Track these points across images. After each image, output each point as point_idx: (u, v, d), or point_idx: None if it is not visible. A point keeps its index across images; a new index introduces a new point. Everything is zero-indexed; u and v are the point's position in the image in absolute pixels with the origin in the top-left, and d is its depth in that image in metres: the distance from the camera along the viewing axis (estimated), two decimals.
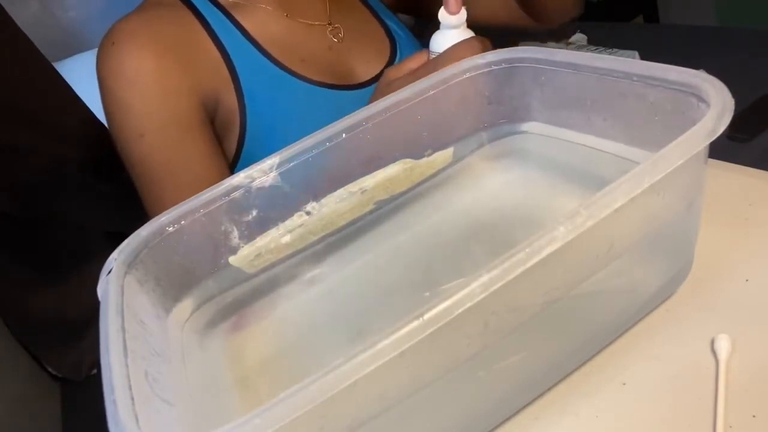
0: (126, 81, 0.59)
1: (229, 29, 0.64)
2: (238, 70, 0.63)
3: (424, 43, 0.77)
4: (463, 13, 0.56)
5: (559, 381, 0.39)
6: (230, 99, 0.63)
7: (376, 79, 0.70)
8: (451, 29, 0.56)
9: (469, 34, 0.56)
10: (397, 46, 0.74)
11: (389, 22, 0.76)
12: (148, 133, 0.60)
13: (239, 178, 0.46)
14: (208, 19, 0.64)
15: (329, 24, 0.71)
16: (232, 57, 0.63)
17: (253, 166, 0.46)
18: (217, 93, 0.63)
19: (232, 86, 0.63)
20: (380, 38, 0.75)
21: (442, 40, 0.56)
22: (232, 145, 0.65)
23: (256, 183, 0.46)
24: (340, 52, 0.70)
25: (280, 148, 0.47)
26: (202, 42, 0.63)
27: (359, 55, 0.72)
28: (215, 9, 0.65)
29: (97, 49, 0.62)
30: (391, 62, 0.73)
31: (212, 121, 0.64)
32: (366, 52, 0.72)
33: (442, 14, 0.56)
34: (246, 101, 0.63)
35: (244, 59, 0.64)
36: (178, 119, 0.60)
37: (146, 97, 0.59)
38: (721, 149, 0.40)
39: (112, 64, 0.59)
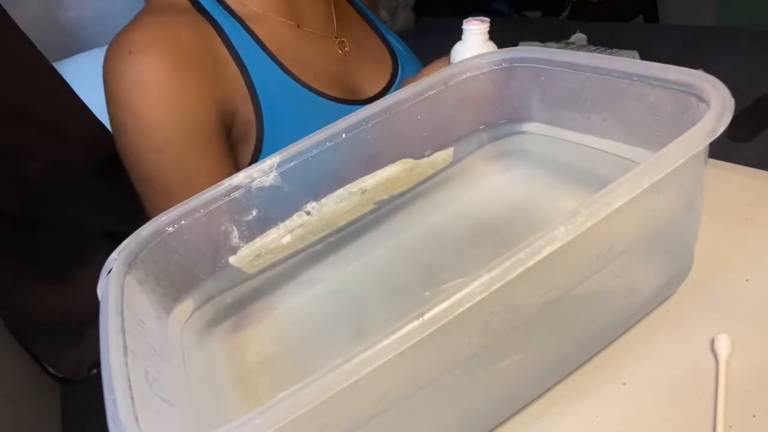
0: (145, 91, 0.56)
1: (245, 39, 0.63)
2: (255, 81, 0.61)
3: (422, 59, 0.77)
4: (485, 24, 0.55)
5: (559, 381, 0.39)
6: (247, 110, 0.62)
7: (382, 94, 0.69)
8: (473, 40, 0.55)
9: (492, 46, 0.56)
10: (399, 61, 0.74)
11: (389, 38, 0.76)
12: (167, 145, 0.58)
13: (239, 178, 0.46)
14: (224, 28, 0.62)
15: (336, 37, 0.70)
16: (248, 68, 0.61)
17: (253, 166, 0.46)
18: (234, 103, 0.61)
19: (249, 98, 0.61)
20: (382, 53, 0.74)
21: (461, 52, 0.56)
22: (246, 156, 0.63)
23: (256, 183, 0.46)
24: (347, 66, 0.70)
25: None
26: (219, 51, 0.61)
27: (364, 69, 0.71)
28: (230, 17, 0.63)
29: (95, 50, 0.61)
30: (394, 77, 0.72)
31: (228, 131, 0.62)
32: (370, 66, 0.72)
33: (465, 23, 0.56)
34: (264, 113, 0.62)
35: (261, 71, 0.62)
36: (198, 128, 0.58)
37: (166, 106, 0.57)
38: (721, 149, 0.40)
39: (130, 75, 0.56)
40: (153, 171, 0.59)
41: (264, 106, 0.62)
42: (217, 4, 0.63)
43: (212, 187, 0.45)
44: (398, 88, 0.69)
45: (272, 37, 0.64)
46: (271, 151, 0.62)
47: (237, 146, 0.64)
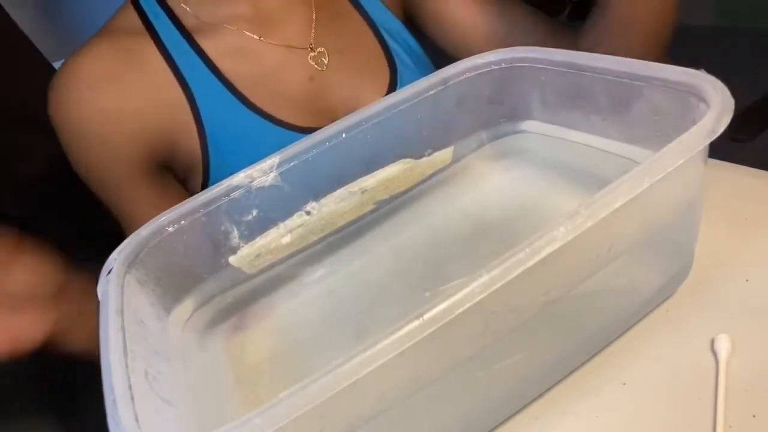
0: (70, 128, 0.55)
1: (191, 60, 0.57)
2: (201, 109, 0.56)
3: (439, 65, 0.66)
4: None
5: (559, 381, 0.39)
6: (191, 142, 0.57)
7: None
8: None
9: None
10: (398, 75, 0.63)
11: (393, 43, 0.64)
12: (95, 180, 0.57)
13: (239, 178, 0.46)
14: (169, 49, 0.57)
15: (310, 48, 0.61)
16: (195, 94, 0.56)
17: (253, 165, 0.46)
18: (173, 136, 0.57)
19: (194, 128, 0.57)
20: (377, 65, 0.63)
21: None
22: (196, 188, 0.60)
23: (256, 183, 0.46)
24: (322, 84, 0.61)
25: None
26: (160, 77, 0.56)
27: (346, 87, 0.61)
28: (178, 34, 0.57)
29: None
30: (390, 93, 0.60)
31: (170, 163, 0.59)
32: (357, 81, 0.62)
33: None
34: (209, 146, 0.57)
35: (207, 97, 0.57)
36: (123, 168, 0.56)
37: (89, 146, 0.55)
38: (721, 149, 0.40)
39: (58, 110, 0.55)
40: (91, 184, 0.58)
41: (209, 135, 0.57)
42: (167, 18, 0.58)
43: (212, 186, 0.45)
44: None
45: (225, 56, 0.58)
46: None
47: (185, 177, 0.60)
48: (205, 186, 0.59)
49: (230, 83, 0.57)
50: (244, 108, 0.57)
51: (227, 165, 0.57)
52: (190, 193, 0.61)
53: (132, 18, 0.58)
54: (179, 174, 0.60)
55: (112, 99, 0.55)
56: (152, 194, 0.58)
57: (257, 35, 0.59)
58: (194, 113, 0.57)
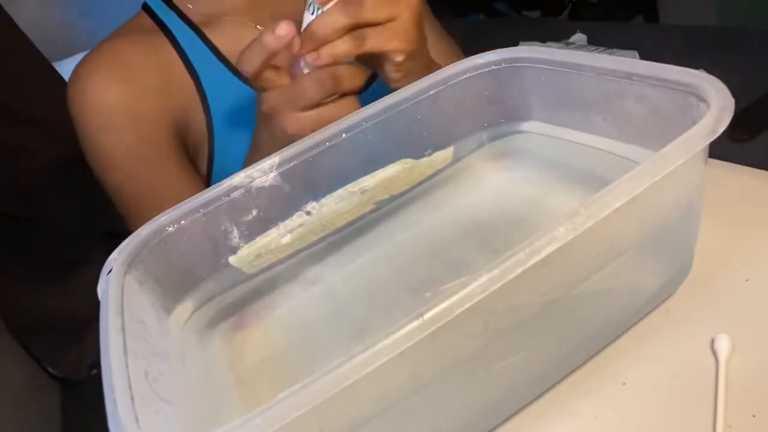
0: (92, 116, 0.58)
1: (199, 48, 0.62)
2: (207, 91, 0.61)
3: None
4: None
5: (559, 381, 0.39)
6: (199, 123, 0.61)
7: None
8: None
9: None
10: None
11: None
12: (119, 166, 0.59)
13: (239, 178, 0.45)
14: (179, 40, 0.62)
15: None
16: (201, 78, 0.62)
17: (253, 165, 0.46)
18: (187, 116, 0.61)
19: (201, 110, 0.61)
20: None
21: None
22: (202, 172, 0.64)
23: (256, 183, 0.46)
24: None
25: None
26: (172, 64, 0.61)
27: None
28: (186, 27, 0.63)
29: None
30: (373, 78, 0.62)
31: (185, 143, 0.63)
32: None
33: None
34: (214, 125, 0.61)
35: (213, 80, 0.62)
36: (149, 147, 0.59)
37: (114, 130, 0.58)
38: (721, 149, 0.40)
39: (78, 100, 0.58)
40: (111, 188, 0.61)
41: (214, 116, 0.61)
42: (175, 15, 0.63)
43: (212, 186, 0.45)
44: (376, 90, 0.63)
45: (230, 43, 0.63)
46: (224, 162, 0.62)
47: (194, 160, 0.64)
48: (209, 168, 0.63)
49: (233, 65, 0.62)
50: (244, 86, 0.61)
51: (231, 141, 0.61)
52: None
53: (144, 19, 0.64)
54: (190, 155, 0.64)
55: (136, 79, 0.59)
56: (183, 171, 0.61)
57: (255, 23, 0.64)
58: (201, 96, 0.61)
